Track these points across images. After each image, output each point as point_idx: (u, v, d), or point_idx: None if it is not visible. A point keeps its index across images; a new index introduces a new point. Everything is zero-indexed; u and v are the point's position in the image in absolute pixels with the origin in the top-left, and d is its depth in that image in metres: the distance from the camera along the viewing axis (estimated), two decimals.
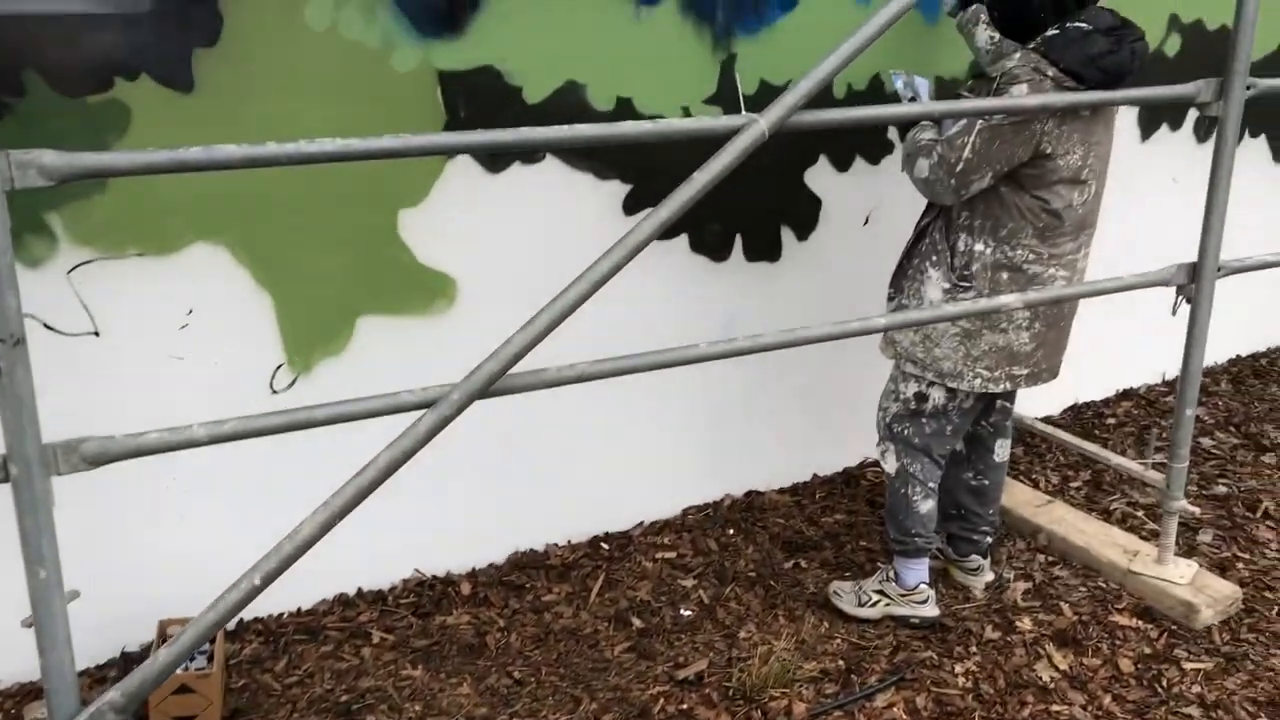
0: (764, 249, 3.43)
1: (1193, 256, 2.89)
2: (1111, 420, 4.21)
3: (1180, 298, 2.90)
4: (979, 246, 2.73)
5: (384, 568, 3.12)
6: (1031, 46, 2.64)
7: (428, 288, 2.91)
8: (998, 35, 2.91)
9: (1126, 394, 4.45)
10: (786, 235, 3.45)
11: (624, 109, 3.04)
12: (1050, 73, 2.57)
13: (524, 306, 3.09)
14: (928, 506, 2.95)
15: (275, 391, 2.78)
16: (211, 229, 2.61)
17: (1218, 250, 2.81)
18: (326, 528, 1.89)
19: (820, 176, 3.45)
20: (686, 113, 3.13)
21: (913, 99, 2.97)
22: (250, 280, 2.68)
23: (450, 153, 1.89)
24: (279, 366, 2.77)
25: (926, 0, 3.39)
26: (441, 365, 2.94)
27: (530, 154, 2.96)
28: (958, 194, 2.67)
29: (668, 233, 3.21)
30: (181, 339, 2.65)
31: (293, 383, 2.79)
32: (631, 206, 3.14)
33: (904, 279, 2.91)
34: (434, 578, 3.14)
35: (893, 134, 3.52)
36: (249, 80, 2.52)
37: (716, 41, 3.12)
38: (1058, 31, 2.62)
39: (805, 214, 3.47)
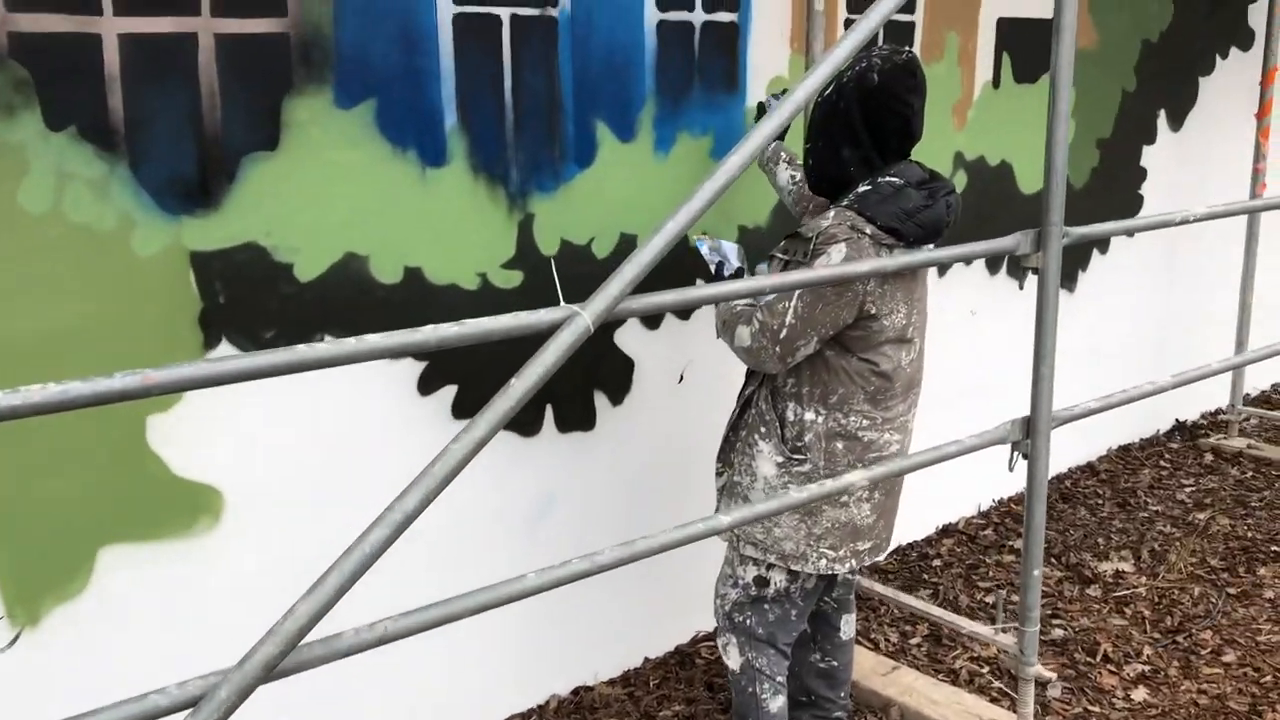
0: (577, 418, 3.13)
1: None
2: (937, 561, 4.09)
3: (1016, 454, 2.77)
4: (809, 415, 2.52)
5: None
6: (845, 203, 2.47)
7: (186, 504, 2.44)
8: (799, 174, 2.79)
9: (946, 530, 4.35)
10: (600, 401, 3.16)
11: (413, 280, 2.70)
12: (868, 230, 2.41)
13: (307, 513, 2.69)
14: (779, 704, 2.67)
15: None
16: None
17: (1050, 402, 2.70)
18: None
19: (630, 336, 3.20)
20: (484, 280, 2.83)
21: (720, 264, 2.78)
22: None
23: (220, 384, 1.51)
24: None
25: (720, 146, 3.24)
26: (208, 597, 2.48)
27: (304, 338, 2.57)
28: (784, 361, 2.45)
29: (467, 411, 2.87)
30: None
31: (15, 640, 2.25)
32: (428, 385, 2.79)
33: (733, 453, 2.67)
34: None
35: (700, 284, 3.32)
36: None
37: (512, 201, 2.84)
38: (870, 187, 2.47)
39: (618, 377, 3.20)
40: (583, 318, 1.81)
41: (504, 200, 2.83)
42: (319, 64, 2.46)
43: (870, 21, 2.13)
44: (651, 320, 3.23)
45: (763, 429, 2.58)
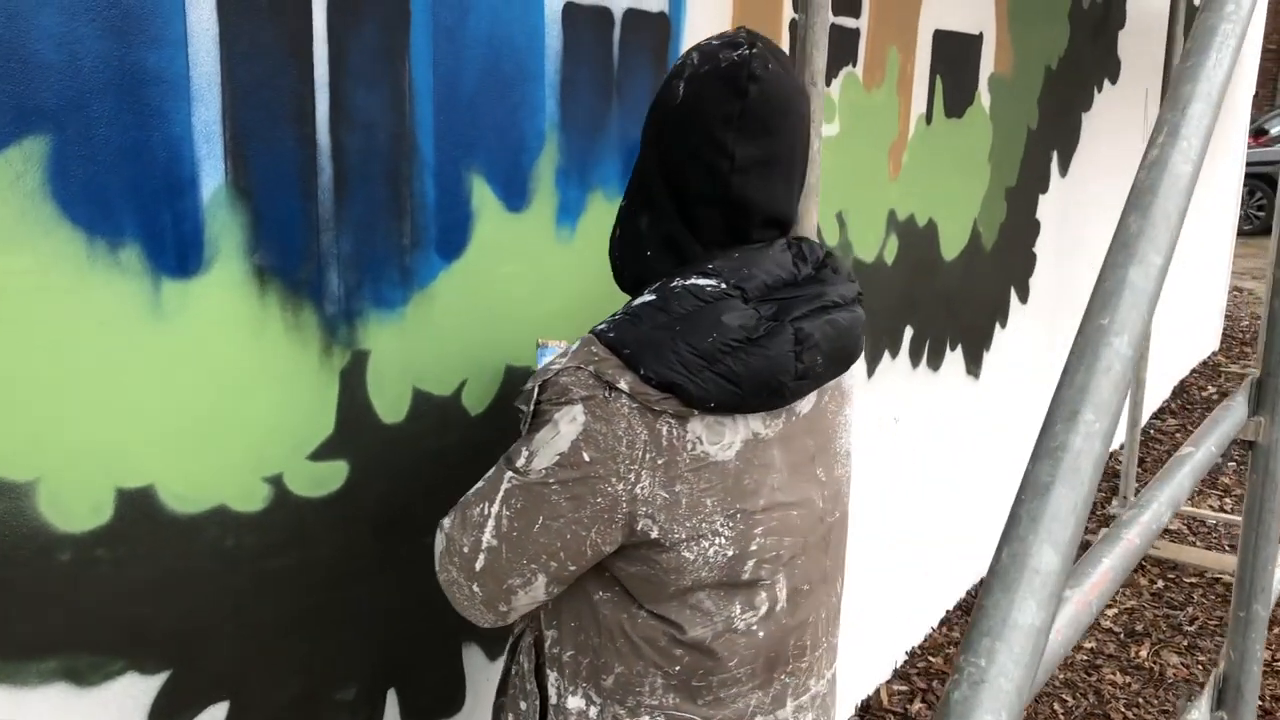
0: (438, 696, 1.78)
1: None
2: None
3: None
4: (576, 702, 1.34)
5: None
6: (603, 327, 1.24)
7: None
8: None
9: (868, 710, 3.31)
10: (472, 660, 1.84)
11: (135, 510, 1.29)
12: (624, 384, 1.19)
13: None
14: None
15: None
16: None
17: (1259, 664, 1.68)
18: None
19: None
20: (278, 488, 1.45)
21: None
22: None
23: None
24: None
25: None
26: None
27: None
28: (492, 610, 1.31)
29: None
30: None
31: None
32: (171, 715, 1.37)
33: None
34: None
35: None
36: None
37: (330, 332, 1.48)
38: (653, 297, 1.24)
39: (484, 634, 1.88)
40: None
41: (315, 331, 1.46)
42: None
43: None
44: None
45: (522, 705, 1.40)
